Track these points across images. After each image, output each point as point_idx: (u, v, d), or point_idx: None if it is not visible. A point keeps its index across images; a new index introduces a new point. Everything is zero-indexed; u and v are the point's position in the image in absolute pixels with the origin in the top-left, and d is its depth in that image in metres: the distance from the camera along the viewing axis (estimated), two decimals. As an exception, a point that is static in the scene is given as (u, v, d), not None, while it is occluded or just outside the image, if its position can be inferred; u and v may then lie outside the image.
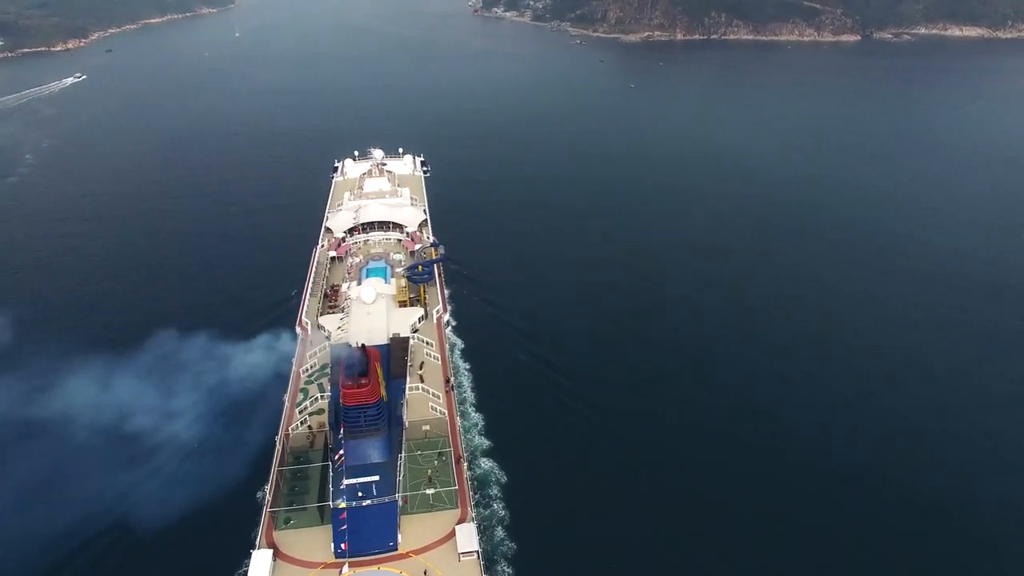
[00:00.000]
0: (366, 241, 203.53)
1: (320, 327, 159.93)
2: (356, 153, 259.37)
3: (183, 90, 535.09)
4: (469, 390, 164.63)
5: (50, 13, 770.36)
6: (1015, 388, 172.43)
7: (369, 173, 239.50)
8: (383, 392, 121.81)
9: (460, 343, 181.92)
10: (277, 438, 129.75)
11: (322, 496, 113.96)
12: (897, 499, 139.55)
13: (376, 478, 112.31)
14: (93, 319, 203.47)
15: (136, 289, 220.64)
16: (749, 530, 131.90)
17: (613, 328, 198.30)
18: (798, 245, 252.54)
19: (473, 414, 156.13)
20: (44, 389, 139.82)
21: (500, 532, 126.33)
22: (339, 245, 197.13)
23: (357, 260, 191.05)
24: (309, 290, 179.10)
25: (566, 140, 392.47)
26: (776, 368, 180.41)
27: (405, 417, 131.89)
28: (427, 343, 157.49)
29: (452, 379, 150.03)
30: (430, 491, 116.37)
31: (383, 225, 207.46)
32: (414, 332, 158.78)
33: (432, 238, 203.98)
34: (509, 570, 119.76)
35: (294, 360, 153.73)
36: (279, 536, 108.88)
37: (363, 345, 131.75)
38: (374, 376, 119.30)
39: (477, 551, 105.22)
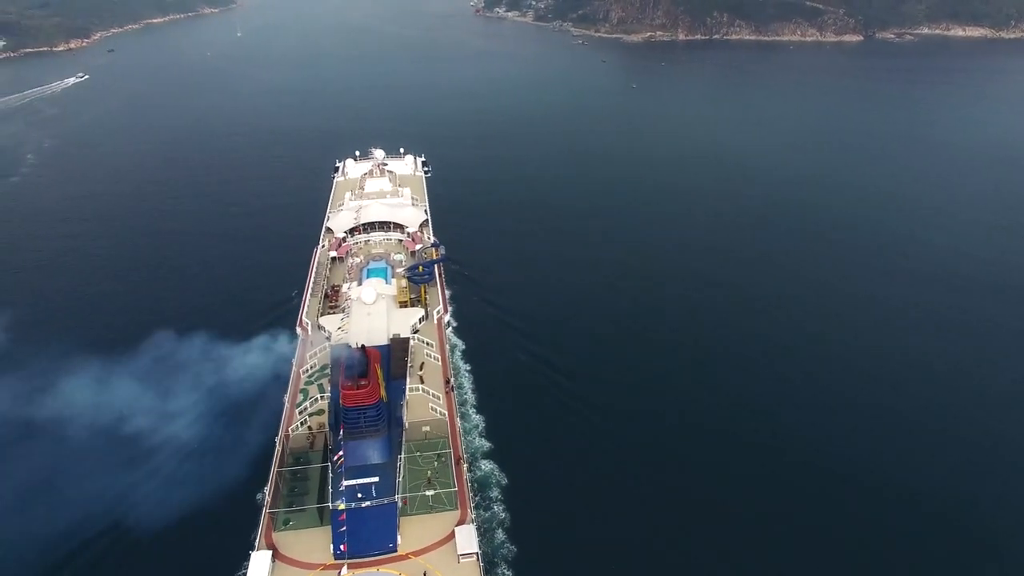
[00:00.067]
0: (367, 241, 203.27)
1: (320, 327, 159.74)
2: (357, 153, 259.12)
3: (185, 90, 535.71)
4: (470, 391, 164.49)
5: (52, 13, 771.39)
6: (1015, 388, 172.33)
7: (370, 173, 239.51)
8: (383, 393, 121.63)
9: (461, 344, 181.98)
10: (277, 439, 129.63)
11: (322, 497, 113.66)
12: (897, 499, 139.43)
13: (376, 479, 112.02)
14: (94, 319, 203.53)
15: (136, 289, 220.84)
16: (749, 530, 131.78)
17: (613, 328, 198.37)
18: (798, 245, 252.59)
19: (474, 415, 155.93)
20: (44, 389, 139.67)
21: (500, 534, 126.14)
22: (340, 245, 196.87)
23: (358, 260, 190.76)
24: (309, 290, 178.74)
25: (567, 140, 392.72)
26: (776, 368, 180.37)
27: (405, 418, 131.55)
28: (427, 344, 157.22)
29: (452, 380, 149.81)
30: (430, 492, 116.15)
31: (384, 225, 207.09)
32: (414, 333, 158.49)
33: (433, 238, 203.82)
34: (509, 573, 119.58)
35: (294, 360, 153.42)
36: (278, 537, 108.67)
37: (363, 346, 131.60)
38: (374, 377, 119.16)
39: (477, 553, 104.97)
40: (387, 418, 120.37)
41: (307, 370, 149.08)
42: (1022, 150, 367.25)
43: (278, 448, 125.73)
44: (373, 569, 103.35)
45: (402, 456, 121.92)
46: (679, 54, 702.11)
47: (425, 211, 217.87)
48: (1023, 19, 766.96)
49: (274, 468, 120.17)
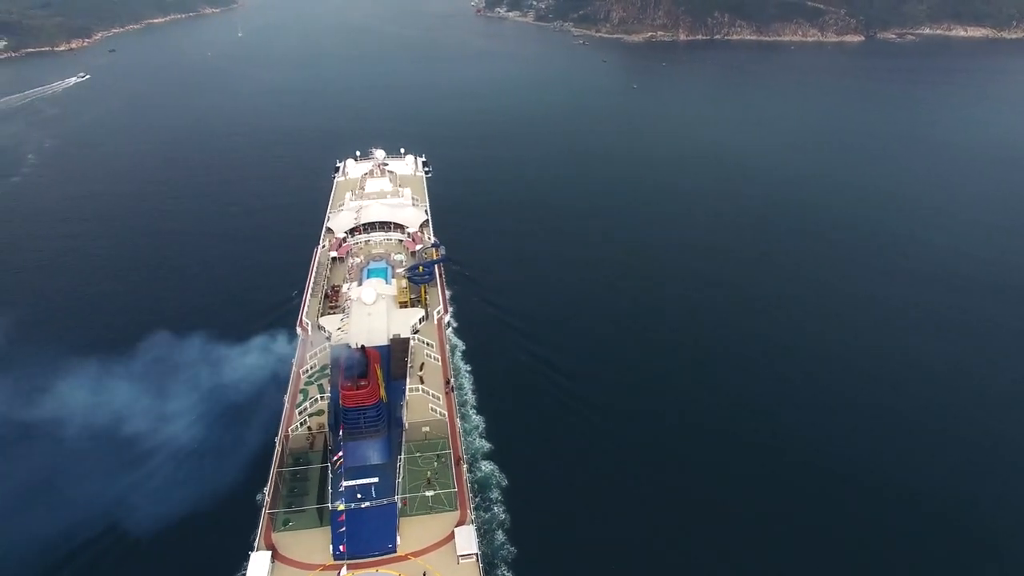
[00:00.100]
0: (367, 241, 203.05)
1: (320, 328, 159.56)
2: (358, 153, 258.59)
3: (185, 90, 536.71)
4: (470, 392, 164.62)
5: (53, 13, 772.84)
6: (1015, 388, 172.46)
7: (370, 173, 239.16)
8: (383, 393, 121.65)
9: (461, 344, 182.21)
10: (277, 439, 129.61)
11: (321, 497, 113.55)
12: (897, 499, 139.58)
13: (375, 480, 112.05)
14: (94, 319, 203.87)
15: (136, 289, 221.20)
16: (749, 530, 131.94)
17: (613, 328, 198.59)
18: (799, 245, 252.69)
19: (474, 416, 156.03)
20: (44, 389, 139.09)
21: (500, 536, 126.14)
22: (340, 245, 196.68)
23: (358, 260, 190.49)
24: (310, 291, 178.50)
25: (568, 140, 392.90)
26: (776, 368, 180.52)
27: (405, 418, 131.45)
28: (427, 344, 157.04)
29: (452, 380, 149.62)
30: (429, 493, 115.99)
31: (384, 225, 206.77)
32: (415, 333, 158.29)
33: (433, 239, 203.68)
34: (509, 574, 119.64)
35: (294, 361, 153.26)
36: (278, 538, 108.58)
37: (363, 346, 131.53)
38: (374, 377, 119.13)
39: (476, 553, 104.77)
40: (387, 418, 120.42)
41: (307, 370, 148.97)
42: (1023, 150, 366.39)
43: (278, 448, 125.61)
44: (372, 570, 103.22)
45: (402, 457, 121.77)
46: (680, 54, 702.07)
47: (425, 211, 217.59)
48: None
49: (274, 468, 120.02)
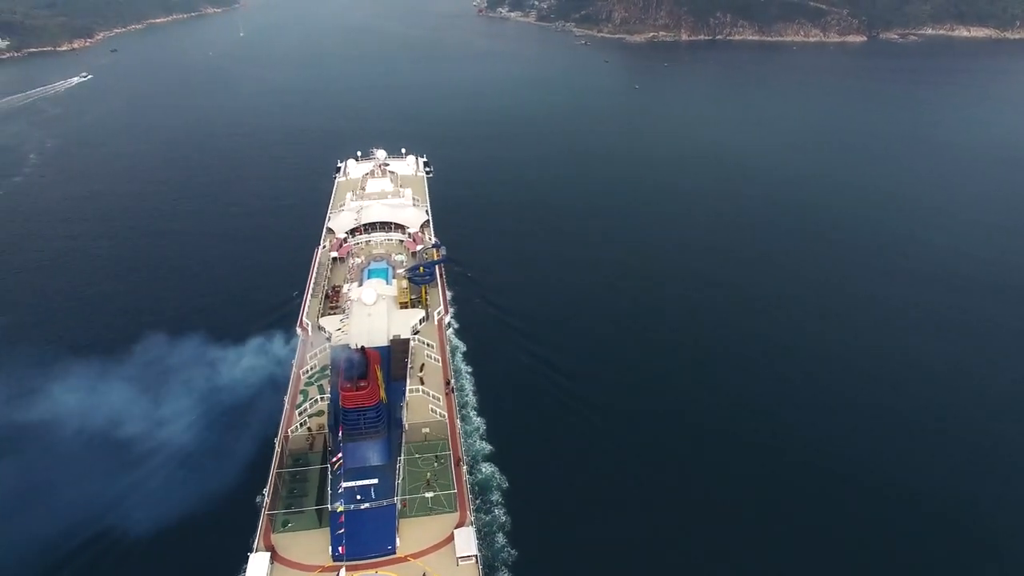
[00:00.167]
0: (368, 242, 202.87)
1: (321, 328, 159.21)
2: (359, 153, 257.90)
3: (187, 90, 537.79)
4: (471, 393, 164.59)
5: (56, 13, 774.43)
6: (1015, 388, 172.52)
7: (371, 173, 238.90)
8: (383, 394, 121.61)
9: (462, 345, 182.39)
10: (276, 440, 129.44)
11: (321, 499, 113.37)
12: (897, 499, 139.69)
13: (375, 481, 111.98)
14: (95, 319, 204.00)
15: (137, 289, 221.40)
16: (749, 530, 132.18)
17: (614, 328, 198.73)
18: (799, 245, 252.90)
19: (475, 418, 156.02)
20: (44, 390, 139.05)
21: (501, 538, 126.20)
22: (341, 246, 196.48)
23: (359, 261, 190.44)
24: (310, 291, 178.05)
25: (569, 140, 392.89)
26: (776, 368, 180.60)
27: (405, 420, 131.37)
28: (428, 345, 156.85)
29: (452, 381, 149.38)
30: (429, 494, 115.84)
31: (385, 226, 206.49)
32: (415, 334, 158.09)
33: (434, 239, 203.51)
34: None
35: (294, 361, 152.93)
36: (277, 539, 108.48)
37: (362, 347, 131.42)
38: (373, 378, 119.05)
39: (476, 555, 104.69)
40: (387, 420, 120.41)
41: (307, 371, 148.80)
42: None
43: (277, 449, 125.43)
44: (372, 571, 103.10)
45: (401, 458, 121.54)
46: (682, 54, 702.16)
47: (426, 212, 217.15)
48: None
49: (273, 469, 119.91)
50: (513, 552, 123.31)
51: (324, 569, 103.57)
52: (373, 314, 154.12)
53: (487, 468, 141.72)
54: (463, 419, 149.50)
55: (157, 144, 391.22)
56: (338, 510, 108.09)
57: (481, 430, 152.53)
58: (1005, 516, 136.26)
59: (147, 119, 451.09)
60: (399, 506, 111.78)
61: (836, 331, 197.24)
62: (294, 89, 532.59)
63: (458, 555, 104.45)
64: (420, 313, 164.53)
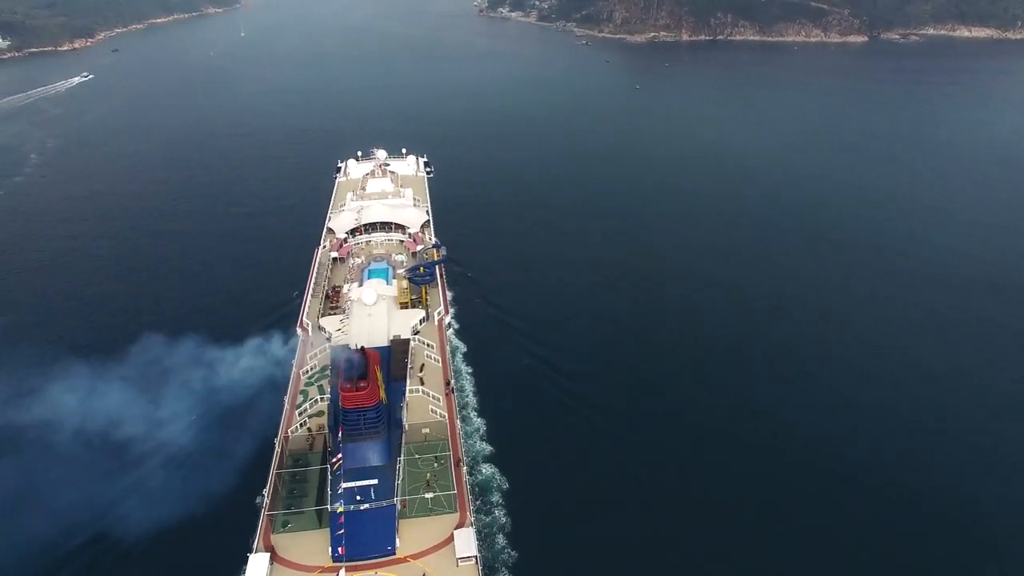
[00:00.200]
0: (368, 242, 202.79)
1: (321, 328, 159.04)
2: (359, 153, 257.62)
3: (188, 90, 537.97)
4: (471, 394, 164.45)
5: (57, 13, 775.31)
6: (1015, 388, 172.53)
7: (372, 173, 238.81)
8: (382, 395, 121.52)
9: (462, 346, 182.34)
10: (276, 440, 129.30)
11: (320, 499, 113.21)
12: (897, 499, 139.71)
13: (375, 482, 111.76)
14: (95, 319, 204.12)
15: (137, 289, 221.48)
16: (749, 530, 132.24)
17: (614, 328, 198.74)
18: (799, 245, 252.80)
19: (475, 419, 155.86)
20: (44, 391, 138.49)
21: (501, 539, 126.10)
22: (341, 246, 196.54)
23: (359, 261, 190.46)
24: (310, 291, 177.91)
25: (570, 141, 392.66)
26: (776, 368, 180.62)
27: (405, 420, 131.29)
28: (428, 345, 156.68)
29: (452, 382, 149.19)
30: (429, 495, 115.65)
31: (385, 226, 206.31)
32: (415, 334, 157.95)
33: (434, 239, 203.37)
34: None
35: (294, 362, 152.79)
36: (277, 539, 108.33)
37: (362, 347, 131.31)
38: (373, 379, 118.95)
39: (476, 556, 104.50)
40: (386, 420, 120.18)
41: (307, 371, 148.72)
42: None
43: (277, 449, 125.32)
44: (371, 572, 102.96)
45: (401, 458, 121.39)
46: (683, 55, 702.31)
47: (427, 212, 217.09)
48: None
49: (273, 470, 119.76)
50: (513, 553, 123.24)
51: (324, 570, 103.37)
52: (373, 314, 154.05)
53: (487, 469, 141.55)
54: (463, 420, 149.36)
55: (158, 144, 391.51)
56: (338, 511, 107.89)
57: (481, 431, 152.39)
58: (1005, 516, 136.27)
59: (148, 119, 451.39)
60: (399, 507, 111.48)
61: (836, 331, 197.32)
62: (295, 89, 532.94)
63: (458, 556, 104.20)
64: (420, 313, 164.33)
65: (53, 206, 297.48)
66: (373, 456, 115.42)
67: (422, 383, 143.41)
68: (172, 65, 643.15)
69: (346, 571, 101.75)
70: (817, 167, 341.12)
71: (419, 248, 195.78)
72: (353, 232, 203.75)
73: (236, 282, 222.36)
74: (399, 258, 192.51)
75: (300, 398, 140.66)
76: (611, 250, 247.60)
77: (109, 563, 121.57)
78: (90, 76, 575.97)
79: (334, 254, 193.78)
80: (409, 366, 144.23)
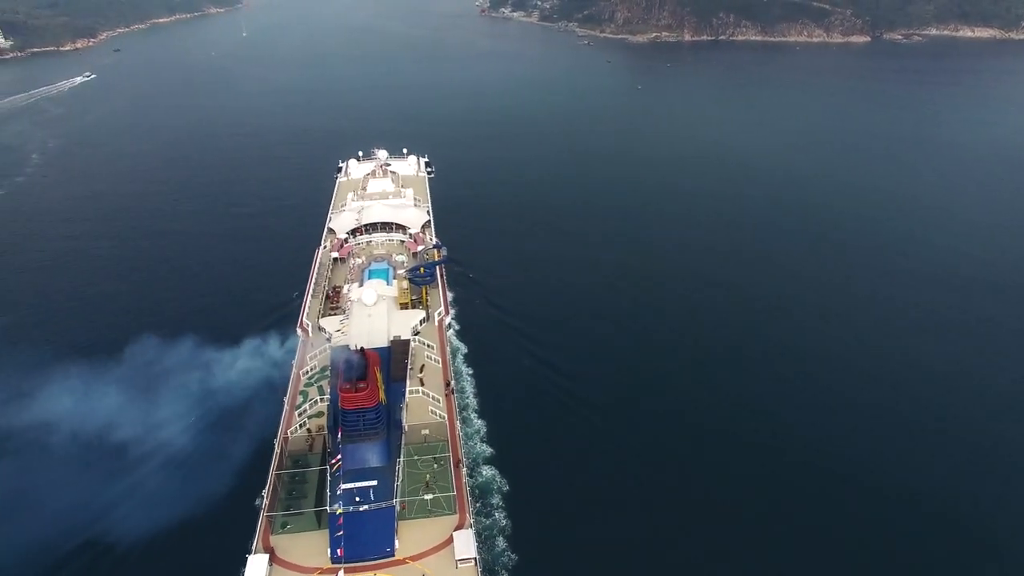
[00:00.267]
0: (369, 242, 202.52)
1: (321, 329, 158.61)
2: (360, 153, 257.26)
3: (189, 89, 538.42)
4: (471, 396, 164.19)
5: (59, 13, 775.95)
6: (1015, 388, 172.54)
7: (373, 174, 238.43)
8: (382, 396, 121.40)
9: (463, 347, 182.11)
10: (276, 441, 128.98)
11: (320, 500, 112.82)
12: (897, 499, 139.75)
13: (374, 483, 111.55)
14: (96, 320, 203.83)
15: (138, 290, 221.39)
16: (749, 530, 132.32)
17: (614, 328, 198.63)
18: (799, 245, 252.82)
19: (475, 420, 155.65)
20: (43, 391, 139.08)
21: (501, 542, 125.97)
22: (341, 246, 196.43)
23: (359, 261, 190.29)
24: (311, 291, 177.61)
25: (571, 141, 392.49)
26: (776, 368, 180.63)
27: (404, 421, 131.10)
28: (428, 346, 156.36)
29: (452, 382, 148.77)
30: (428, 496, 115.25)
31: (386, 226, 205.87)
32: (415, 335, 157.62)
33: (435, 239, 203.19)
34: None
35: (294, 362, 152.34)
36: (276, 540, 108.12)
37: (362, 348, 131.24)
38: (373, 380, 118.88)
39: (475, 558, 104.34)
40: (386, 421, 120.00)
41: (307, 372, 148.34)
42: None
43: (277, 450, 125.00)
44: (370, 573, 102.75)
45: (401, 459, 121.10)
46: (685, 55, 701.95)
47: (427, 212, 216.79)
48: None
49: (272, 470, 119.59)
50: (514, 556, 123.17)
51: (323, 571, 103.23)
52: (373, 315, 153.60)
53: (488, 471, 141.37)
54: (464, 421, 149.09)
55: (159, 144, 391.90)
56: (337, 512, 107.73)
57: (482, 432, 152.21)
58: (1005, 516, 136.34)
59: (149, 119, 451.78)
60: (398, 508, 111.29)
61: (836, 331, 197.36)
62: (296, 89, 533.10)
63: (457, 558, 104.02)
64: (420, 314, 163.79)
65: (54, 206, 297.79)
66: (372, 457, 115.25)
67: (422, 384, 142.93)
68: (174, 65, 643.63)
69: (345, 572, 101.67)
70: (818, 167, 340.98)
71: (420, 248, 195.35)
72: (354, 232, 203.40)
73: (236, 282, 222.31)
74: (400, 258, 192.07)
75: (300, 399, 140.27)
76: (612, 250, 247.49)
77: (108, 564, 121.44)
78: (92, 76, 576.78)
79: (335, 254, 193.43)
80: (409, 367, 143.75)
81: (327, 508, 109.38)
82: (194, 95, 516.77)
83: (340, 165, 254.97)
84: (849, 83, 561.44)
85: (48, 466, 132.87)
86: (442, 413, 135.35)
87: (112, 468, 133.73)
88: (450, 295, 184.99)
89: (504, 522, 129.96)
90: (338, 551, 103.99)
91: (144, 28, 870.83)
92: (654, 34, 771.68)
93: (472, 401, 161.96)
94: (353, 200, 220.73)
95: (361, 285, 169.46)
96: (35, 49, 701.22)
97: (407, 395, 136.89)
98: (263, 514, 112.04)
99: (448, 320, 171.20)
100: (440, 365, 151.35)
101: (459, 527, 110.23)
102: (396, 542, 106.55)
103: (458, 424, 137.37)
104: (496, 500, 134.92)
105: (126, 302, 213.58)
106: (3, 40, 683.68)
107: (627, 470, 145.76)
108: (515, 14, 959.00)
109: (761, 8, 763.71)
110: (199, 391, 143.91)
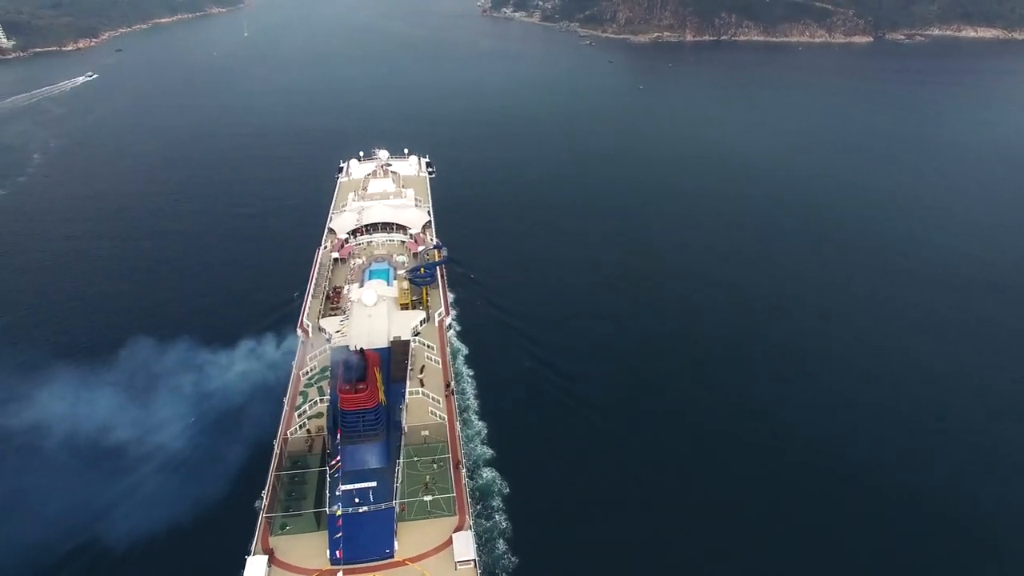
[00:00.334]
0: (369, 242, 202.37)
1: (321, 329, 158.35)
2: (361, 153, 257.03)
3: (191, 89, 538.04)
4: (472, 397, 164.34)
5: (61, 13, 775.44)
6: (1015, 388, 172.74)
7: (374, 174, 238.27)
8: (382, 396, 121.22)
9: (463, 348, 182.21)
10: (275, 442, 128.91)
11: (319, 501, 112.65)
12: (897, 499, 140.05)
13: (373, 484, 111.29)
14: (96, 319, 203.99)
15: (139, 290, 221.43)
16: (749, 530, 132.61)
17: (614, 328, 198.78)
18: (800, 245, 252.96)
19: (476, 422, 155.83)
20: (43, 391, 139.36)
21: (501, 544, 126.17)
22: (342, 246, 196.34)
23: (360, 262, 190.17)
24: (311, 292, 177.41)
25: (573, 141, 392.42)
26: (776, 368, 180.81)
27: (404, 422, 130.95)
28: (428, 346, 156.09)
29: (453, 383, 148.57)
30: (428, 498, 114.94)
31: (387, 226, 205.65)
32: (415, 335, 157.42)
33: (436, 240, 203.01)
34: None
35: (294, 363, 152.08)
36: (275, 542, 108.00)
37: (362, 349, 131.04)
38: (372, 381, 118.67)
39: (474, 560, 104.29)
40: (386, 422, 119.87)
41: (307, 372, 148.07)
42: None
43: (276, 451, 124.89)
44: (370, 575, 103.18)
45: (400, 461, 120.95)
46: (686, 55, 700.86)
47: (428, 212, 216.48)
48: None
49: (272, 471, 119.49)
50: (514, 559, 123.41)
51: (322, 572, 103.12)
52: (373, 315, 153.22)
53: (488, 473, 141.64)
54: (464, 423, 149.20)
55: (161, 144, 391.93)
56: (336, 513, 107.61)
57: (482, 434, 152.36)
58: (1005, 516, 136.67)
59: (151, 119, 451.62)
60: (398, 509, 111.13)
61: (836, 331, 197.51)
62: (298, 89, 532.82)
63: (456, 559, 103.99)
64: (421, 314, 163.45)
65: (56, 206, 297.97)
66: (372, 458, 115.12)
67: (422, 385, 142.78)
68: (176, 65, 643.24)
69: (344, 574, 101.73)
70: (820, 167, 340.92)
71: (420, 249, 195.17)
72: (354, 232, 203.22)
73: (237, 282, 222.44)
74: (400, 259, 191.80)
75: (299, 399, 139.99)
76: (612, 250, 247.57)
77: (108, 565, 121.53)
78: (94, 76, 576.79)
79: (335, 255, 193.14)
80: (409, 368, 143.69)
81: (326, 509, 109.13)
82: (195, 95, 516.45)
83: (341, 165, 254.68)
84: (851, 83, 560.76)
85: (48, 466, 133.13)
86: (442, 414, 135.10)
87: (112, 468, 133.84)
88: (451, 296, 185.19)
89: (504, 524, 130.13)
90: (337, 552, 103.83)
91: (146, 28, 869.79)
92: (656, 34, 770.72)
93: (472, 402, 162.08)
94: (354, 200, 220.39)
95: (361, 285, 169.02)
96: (38, 49, 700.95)
97: (407, 396, 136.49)
98: (262, 515, 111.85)
99: (448, 321, 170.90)
100: (440, 366, 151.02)
101: (459, 529, 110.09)
102: (395, 544, 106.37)
103: (458, 425, 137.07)
104: (496, 502, 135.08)
105: (126, 302, 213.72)
106: (6, 40, 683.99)
107: (627, 470, 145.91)
108: (517, 14, 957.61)
109: (763, 8, 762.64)
110: (199, 392, 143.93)
